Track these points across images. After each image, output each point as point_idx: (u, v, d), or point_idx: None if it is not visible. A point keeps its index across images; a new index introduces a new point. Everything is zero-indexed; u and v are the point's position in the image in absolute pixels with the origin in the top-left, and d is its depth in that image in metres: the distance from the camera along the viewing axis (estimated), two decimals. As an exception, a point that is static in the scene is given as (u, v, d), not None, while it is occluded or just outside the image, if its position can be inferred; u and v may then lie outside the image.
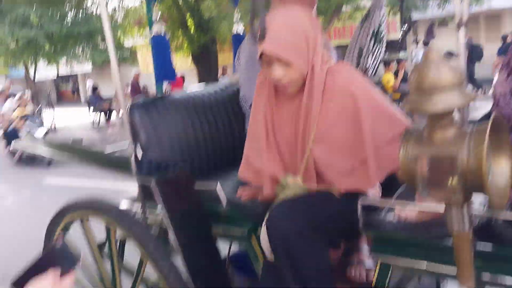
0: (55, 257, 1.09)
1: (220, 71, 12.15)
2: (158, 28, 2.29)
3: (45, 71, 16.15)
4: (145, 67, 15.09)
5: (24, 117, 9.31)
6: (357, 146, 1.58)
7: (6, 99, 10.05)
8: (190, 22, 10.58)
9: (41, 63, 15.01)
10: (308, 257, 1.51)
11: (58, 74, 17.02)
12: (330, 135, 1.61)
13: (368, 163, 1.57)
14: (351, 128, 1.58)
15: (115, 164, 2.17)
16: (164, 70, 2.22)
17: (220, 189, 1.79)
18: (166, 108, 2.08)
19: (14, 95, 10.10)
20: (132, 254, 2.07)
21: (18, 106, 9.52)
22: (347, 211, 1.58)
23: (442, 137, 1.04)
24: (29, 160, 8.29)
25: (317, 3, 2.08)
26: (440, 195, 1.05)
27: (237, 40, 2.70)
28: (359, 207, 1.46)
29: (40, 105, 13.15)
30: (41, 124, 9.87)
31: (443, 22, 14.72)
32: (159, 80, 2.30)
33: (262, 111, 1.76)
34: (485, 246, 1.29)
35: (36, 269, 1.06)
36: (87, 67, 16.93)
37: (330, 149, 1.61)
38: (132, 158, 1.90)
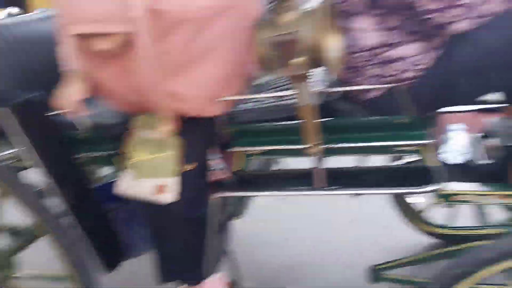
0: None
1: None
2: None
3: None
4: None
5: None
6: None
7: None
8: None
9: None
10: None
11: None
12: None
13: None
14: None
15: None
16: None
17: None
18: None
19: None
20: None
21: None
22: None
23: (287, 19, 1.20)
24: None
25: None
26: (289, 72, 1.23)
27: None
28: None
29: None
30: None
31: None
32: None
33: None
34: (326, 121, 1.52)
35: None
36: None
37: (189, 82, 1.42)
38: None
